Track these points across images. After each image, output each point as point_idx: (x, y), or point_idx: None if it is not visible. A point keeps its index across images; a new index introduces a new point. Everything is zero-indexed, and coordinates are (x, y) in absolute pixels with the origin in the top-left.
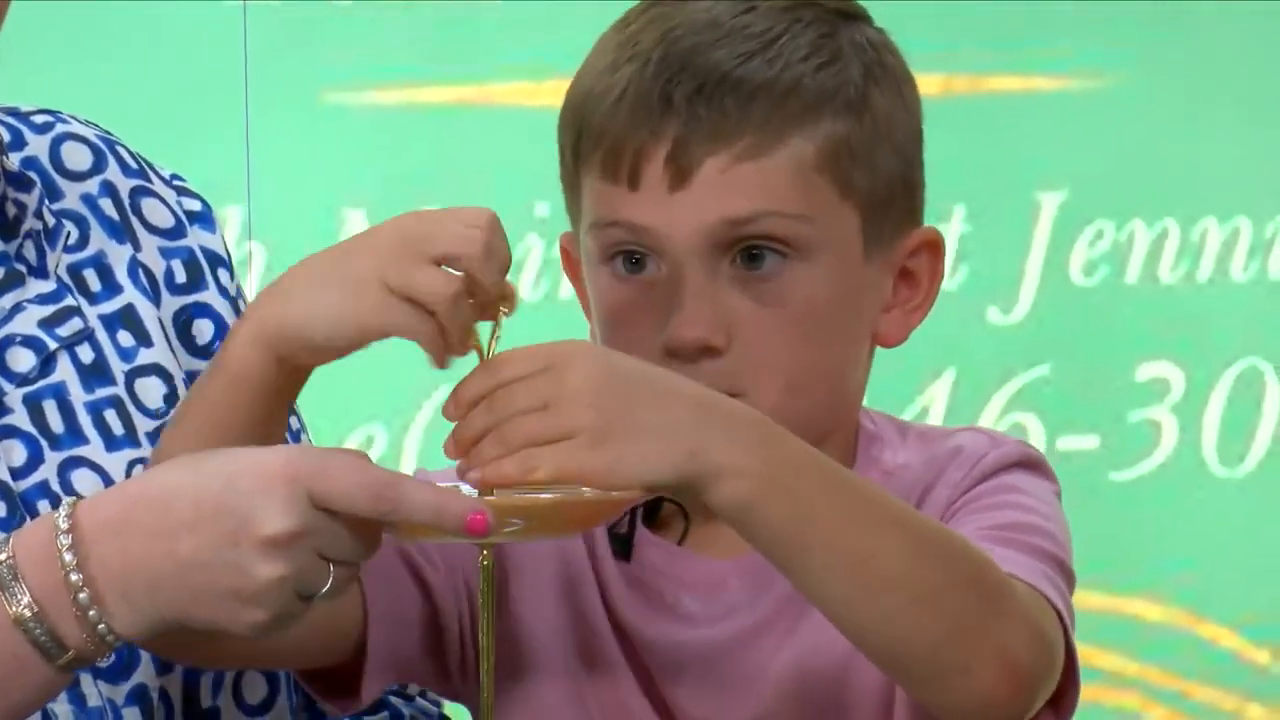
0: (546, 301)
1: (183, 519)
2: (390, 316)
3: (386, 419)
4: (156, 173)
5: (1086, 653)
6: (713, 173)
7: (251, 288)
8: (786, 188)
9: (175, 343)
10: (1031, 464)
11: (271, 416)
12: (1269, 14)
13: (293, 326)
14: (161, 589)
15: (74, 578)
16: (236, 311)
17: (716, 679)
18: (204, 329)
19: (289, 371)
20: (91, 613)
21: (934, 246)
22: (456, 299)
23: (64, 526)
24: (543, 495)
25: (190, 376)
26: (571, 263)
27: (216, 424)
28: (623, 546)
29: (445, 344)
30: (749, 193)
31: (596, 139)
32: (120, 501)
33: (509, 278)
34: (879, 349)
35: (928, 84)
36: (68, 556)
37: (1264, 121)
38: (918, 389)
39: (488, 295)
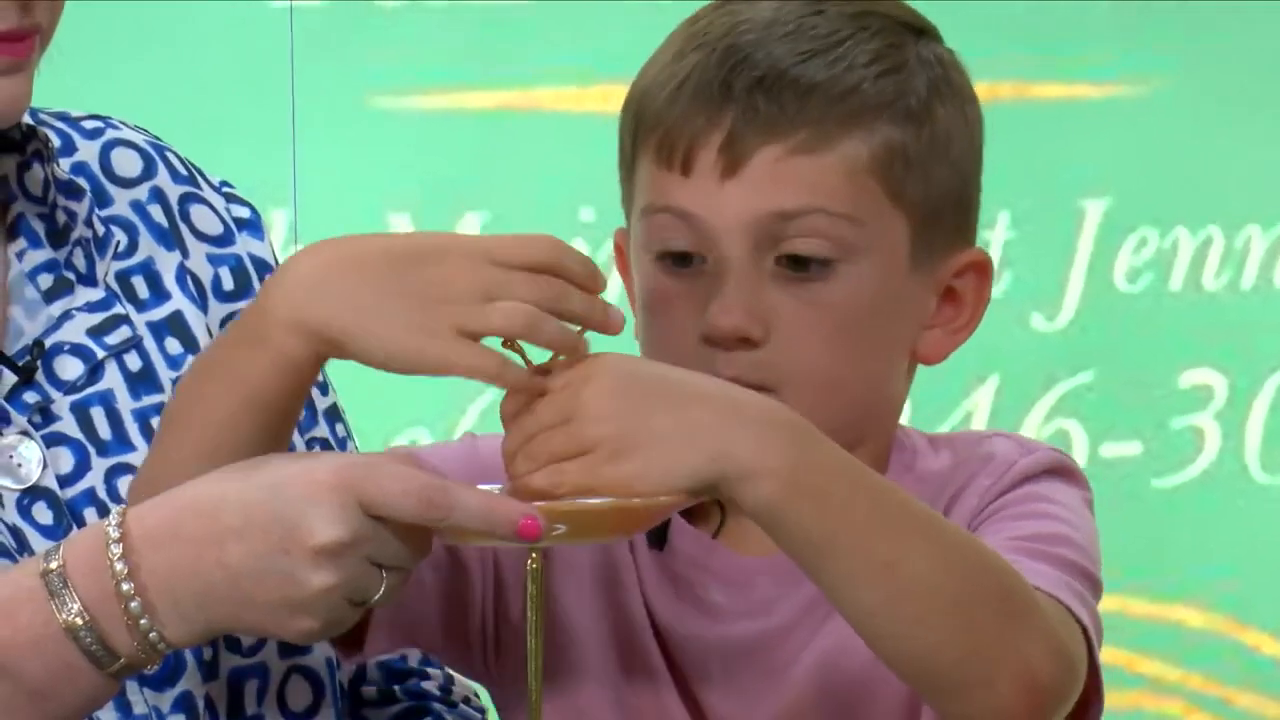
0: None
1: (231, 527)
2: (461, 362)
3: (430, 423)
4: (206, 179)
5: (1129, 659)
6: (765, 164)
7: None
8: (837, 186)
9: None
10: (1062, 471)
11: (305, 392)
12: None
13: (354, 342)
14: (211, 598)
15: (125, 587)
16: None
17: (741, 676)
18: None
19: (325, 359)
20: (143, 621)
21: (982, 269)
22: (533, 322)
23: (114, 535)
24: (591, 501)
25: None
26: (624, 258)
27: (254, 400)
28: (657, 536)
29: (524, 373)
30: (799, 187)
31: (654, 125)
32: (169, 510)
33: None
34: (920, 366)
35: None
36: (119, 566)
37: None
38: (961, 394)
39: (588, 321)
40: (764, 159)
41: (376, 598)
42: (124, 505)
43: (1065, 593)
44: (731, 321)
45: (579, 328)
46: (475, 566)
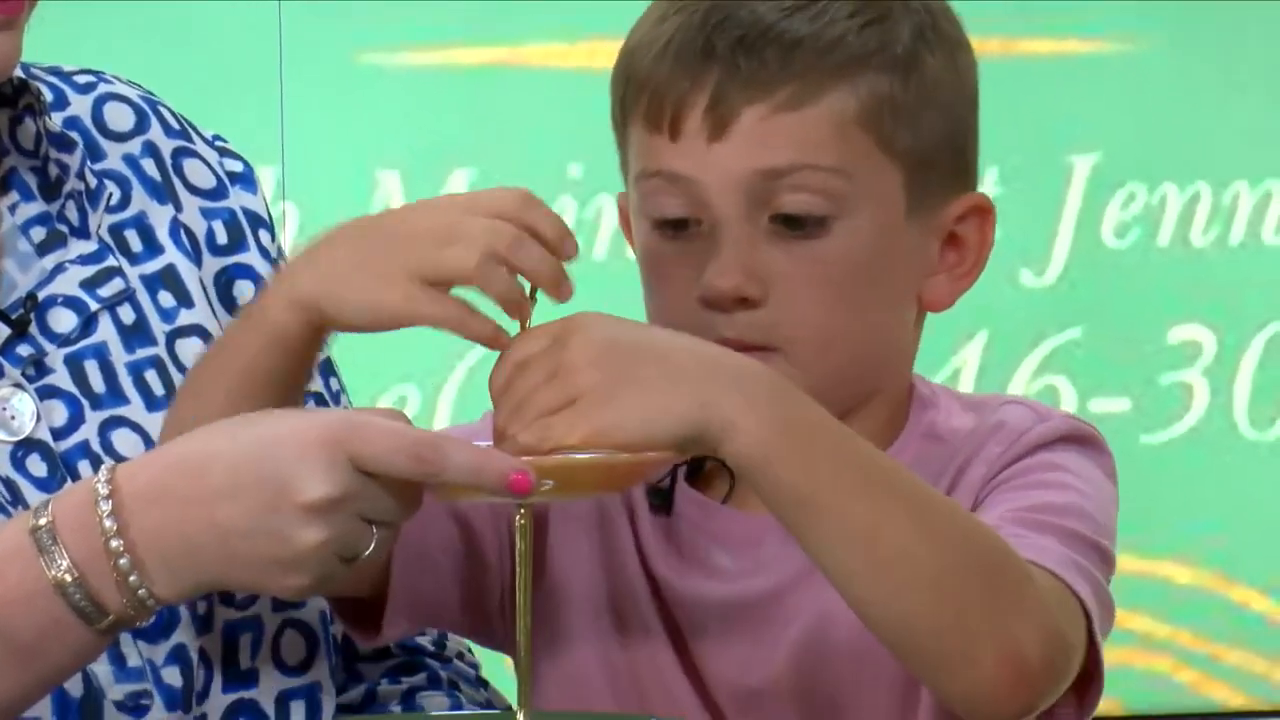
0: (580, 263)
1: (220, 486)
2: (422, 308)
3: (420, 379)
4: (199, 134)
5: (1118, 615)
6: (751, 123)
7: (287, 247)
8: (825, 140)
9: (216, 303)
10: (1079, 438)
11: (303, 373)
12: None
13: (329, 304)
14: (201, 556)
15: (114, 544)
16: (276, 272)
17: (741, 635)
18: (245, 290)
19: (324, 333)
20: (132, 578)
21: (983, 212)
22: (484, 267)
23: (104, 492)
24: (580, 455)
25: None
26: (627, 223)
27: (250, 378)
28: (662, 500)
29: (493, 329)
30: (787, 144)
31: (641, 88)
32: (159, 468)
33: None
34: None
35: None
36: (108, 523)
37: None
38: (950, 351)
39: (538, 277)
40: (750, 118)
41: (367, 553)
42: (113, 462)
43: (1068, 570)
44: (729, 283)
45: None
46: (490, 543)
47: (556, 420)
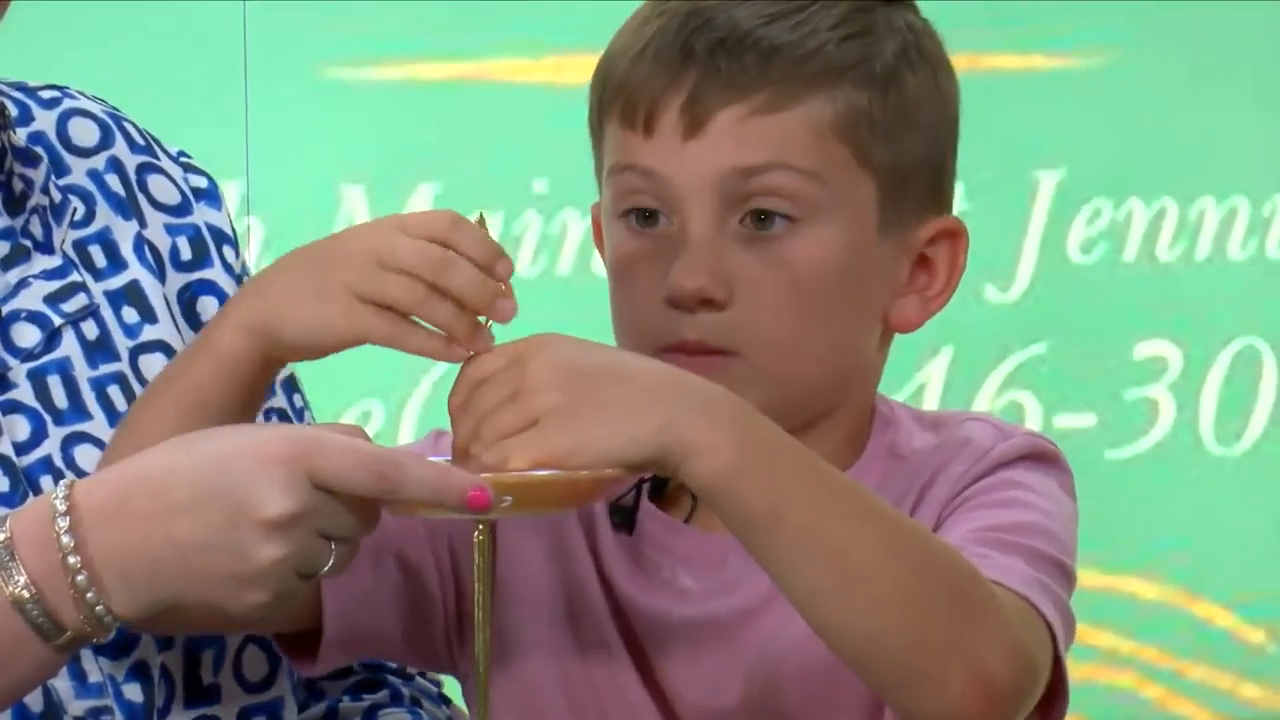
0: (544, 278)
1: (179, 502)
2: (363, 324)
3: (384, 394)
4: (164, 149)
5: (1082, 631)
6: (727, 123)
7: (251, 263)
8: (801, 143)
9: (180, 319)
10: (1040, 456)
11: (253, 398)
12: None
13: (275, 326)
14: (160, 572)
15: (72, 560)
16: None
17: (705, 656)
18: (209, 306)
19: (274, 360)
20: (89, 595)
21: (955, 236)
22: (425, 299)
23: (61, 509)
24: (538, 473)
25: None
26: (600, 230)
27: (200, 403)
28: (625, 518)
29: (441, 342)
30: (762, 144)
31: (618, 88)
32: (117, 484)
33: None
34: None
35: None
36: (65, 539)
37: (1262, 101)
38: (915, 366)
39: (470, 299)
40: (726, 118)
41: (326, 569)
42: (72, 478)
43: (1034, 590)
44: (695, 283)
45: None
46: (430, 574)
47: (517, 442)
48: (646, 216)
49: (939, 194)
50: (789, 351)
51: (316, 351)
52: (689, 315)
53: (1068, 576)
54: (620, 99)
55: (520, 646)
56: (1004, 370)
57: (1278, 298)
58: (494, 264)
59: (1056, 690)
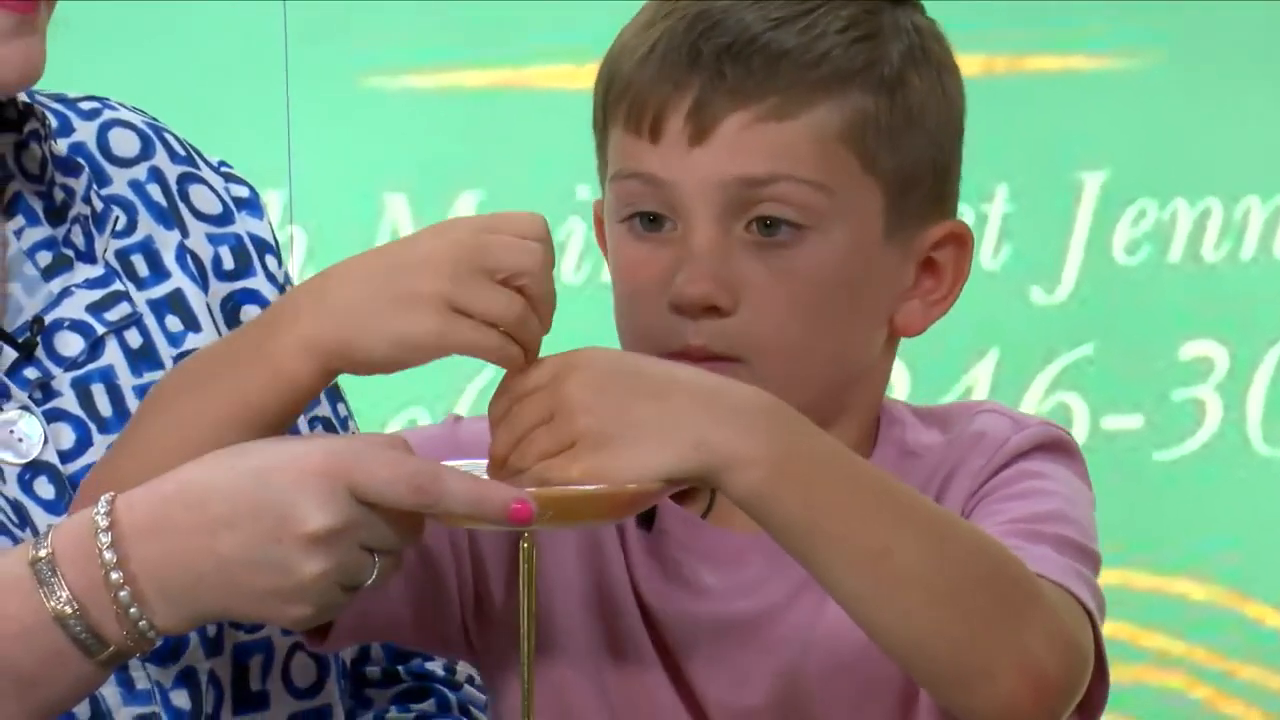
0: (589, 285)
1: (221, 516)
2: (459, 338)
3: (429, 403)
4: (204, 160)
5: (1132, 633)
6: (732, 130)
7: (294, 272)
8: (806, 153)
9: (223, 328)
10: (1054, 444)
11: (297, 414)
12: None
13: (351, 346)
14: (202, 587)
15: (114, 576)
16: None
17: (731, 656)
18: (252, 315)
19: (334, 375)
20: (133, 610)
21: (961, 240)
22: (525, 317)
23: (103, 524)
24: (580, 488)
25: None
26: (602, 230)
27: (247, 416)
28: (645, 517)
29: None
30: (767, 154)
31: (623, 91)
32: (158, 499)
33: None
34: (914, 338)
35: (968, 64)
36: (108, 555)
37: None
38: (961, 369)
39: (547, 309)
40: (731, 125)
41: (369, 581)
42: (112, 493)
43: (1070, 577)
44: (699, 290)
45: None
46: (448, 570)
47: (551, 465)
48: (651, 220)
49: (944, 197)
50: (794, 358)
51: (396, 368)
52: (693, 322)
53: (1093, 561)
54: (625, 102)
55: (556, 648)
56: (1051, 372)
57: None
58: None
59: (1097, 676)
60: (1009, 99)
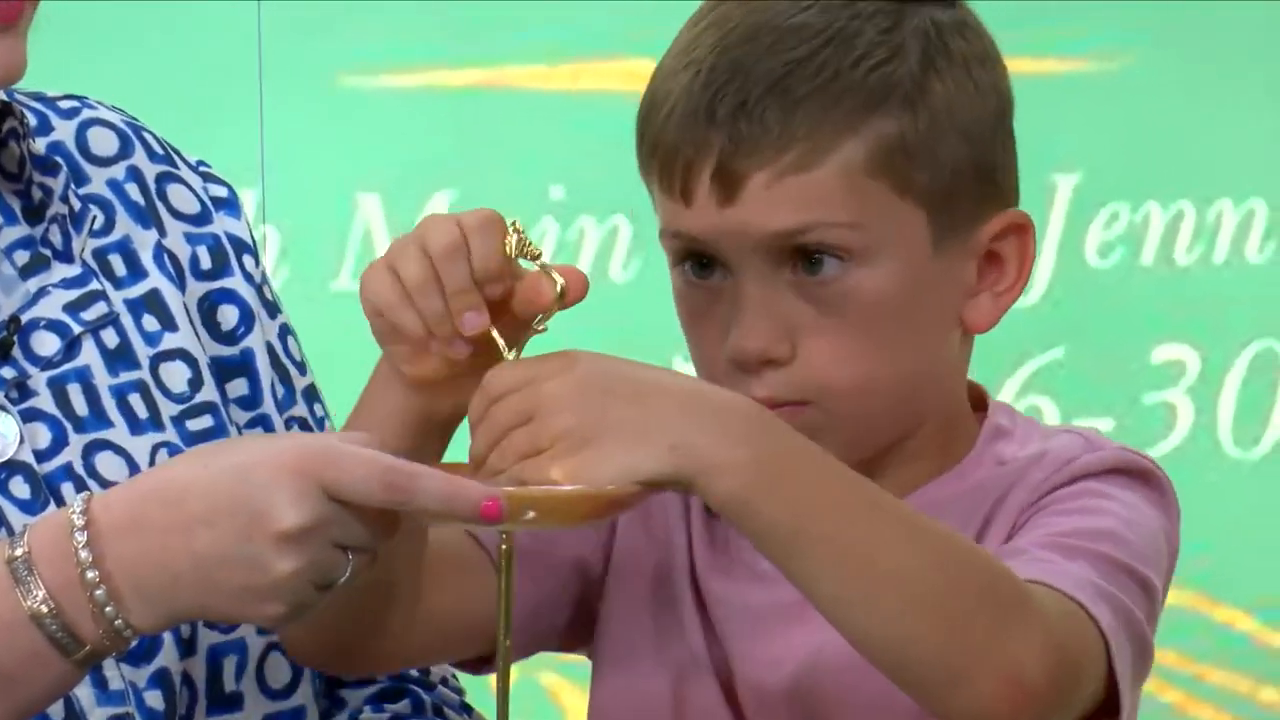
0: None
1: (197, 514)
2: (373, 283)
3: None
4: (183, 159)
5: None
6: (758, 187)
7: (268, 270)
8: (836, 197)
9: (200, 328)
10: (1130, 471)
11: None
12: None
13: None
14: (178, 585)
15: (90, 575)
16: (260, 297)
17: (771, 638)
18: (229, 315)
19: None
20: (108, 609)
21: (1021, 229)
22: (424, 286)
23: (79, 523)
24: (557, 489)
25: (214, 362)
26: None
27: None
28: None
29: (423, 333)
30: (796, 205)
31: (652, 149)
32: (135, 498)
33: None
34: None
35: None
36: (84, 554)
37: (1278, 102)
38: None
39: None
40: (757, 182)
41: (342, 580)
42: (89, 492)
43: (1086, 592)
44: (756, 345)
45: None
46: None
47: (529, 465)
48: (704, 265)
49: (994, 191)
50: (861, 389)
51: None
52: (755, 375)
53: (1141, 584)
54: (656, 162)
55: (623, 628)
56: (1022, 375)
57: None
58: (486, 280)
59: (1109, 702)
60: None
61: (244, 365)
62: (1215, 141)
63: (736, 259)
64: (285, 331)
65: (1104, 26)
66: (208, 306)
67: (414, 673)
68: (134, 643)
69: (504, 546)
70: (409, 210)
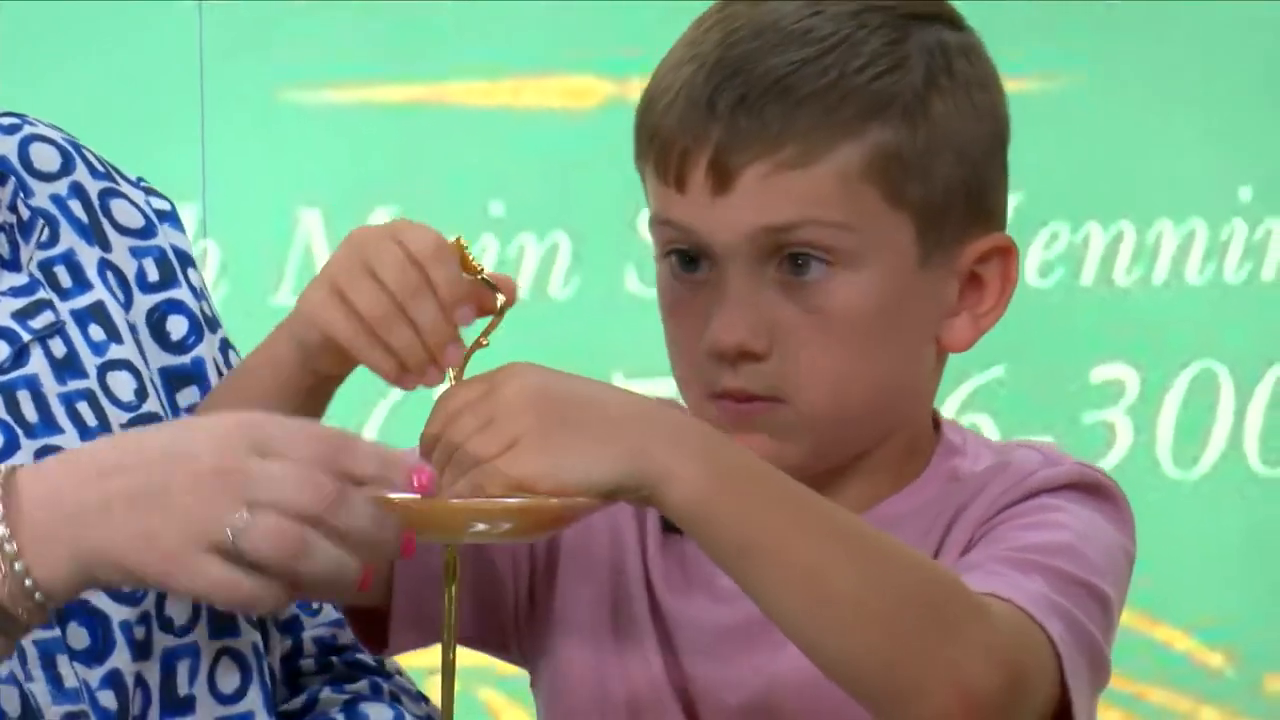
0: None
1: (121, 462)
2: (329, 318)
3: (342, 419)
4: (123, 176)
5: None
6: (753, 180)
7: (207, 285)
8: (830, 196)
9: (146, 340)
10: (1087, 487)
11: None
12: (1224, 16)
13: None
14: (79, 524)
15: (1, 529)
16: (200, 311)
17: (732, 656)
18: (177, 325)
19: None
20: (18, 565)
21: (1005, 253)
22: (388, 319)
23: None
24: (506, 500)
25: (163, 373)
26: None
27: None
28: (670, 522)
29: (394, 366)
30: (790, 201)
31: (650, 138)
32: (62, 457)
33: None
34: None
35: None
36: None
37: (1219, 124)
38: None
39: (426, 337)
40: (752, 175)
41: (232, 540)
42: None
43: (1039, 606)
44: (734, 338)
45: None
46: (503, 555)
47: (490, 469)
48: (689, 260)
49: (983, 213)
50: (835, 394)
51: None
52: (731, 367)
53: (1096, 598)
54: (653, 150)
55: (562, 641)
56: (962, 394)
57: (1235, 321)
58: (454, 309)
59: (1066, 713)
60: None
61: (195, 374)
62: (1156, 163)
63: (723, 251)
64: (226, 346)
65: (1046, 47)
66: (157, 317)
67: (370, 661)
68: (46, 609)
69: (447, 559)
70: (349, 225)
